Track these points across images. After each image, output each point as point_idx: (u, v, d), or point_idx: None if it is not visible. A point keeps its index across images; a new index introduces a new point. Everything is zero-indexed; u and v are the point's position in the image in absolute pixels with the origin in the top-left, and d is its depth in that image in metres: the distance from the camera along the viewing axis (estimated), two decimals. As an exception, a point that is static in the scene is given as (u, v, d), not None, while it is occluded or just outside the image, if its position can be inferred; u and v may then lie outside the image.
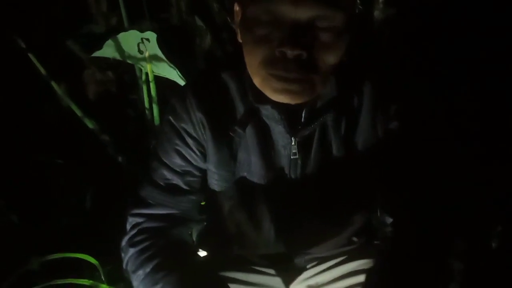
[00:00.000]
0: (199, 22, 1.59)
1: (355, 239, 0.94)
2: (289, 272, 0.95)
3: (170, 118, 0.85)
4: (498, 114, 1.43)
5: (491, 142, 1.40)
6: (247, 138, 0.83)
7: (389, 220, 0.85)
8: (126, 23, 1.39)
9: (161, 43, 1.29)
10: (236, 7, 0.77)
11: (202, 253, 0.99)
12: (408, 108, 0.83)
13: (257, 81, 0.74)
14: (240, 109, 0.82)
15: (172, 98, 0.86)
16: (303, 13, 0.66)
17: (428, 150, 0.83)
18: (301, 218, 0.86)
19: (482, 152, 1.35)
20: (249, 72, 0.75)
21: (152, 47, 1.28)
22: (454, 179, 0.81)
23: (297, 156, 0.82)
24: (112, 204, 1.27)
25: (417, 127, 0.83)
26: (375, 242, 0.95)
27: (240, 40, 0.76)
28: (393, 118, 0.82)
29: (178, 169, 0.86)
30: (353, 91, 0.82)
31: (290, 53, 0.67)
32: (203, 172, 0.87)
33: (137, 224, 0.86)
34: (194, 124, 0.83)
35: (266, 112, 0.80)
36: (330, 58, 0.70)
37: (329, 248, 0.93)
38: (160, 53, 1.27)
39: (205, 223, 0.97)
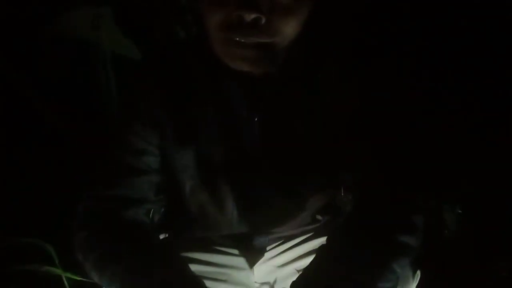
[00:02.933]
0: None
1: (319, 217, 0.91)
2: (253, 252, 0.92)
3: (127, 95, 0.81)
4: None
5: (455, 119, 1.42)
6: (208, 114, 0.79)
7: (349, 197, 0.83)
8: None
9: (120, 20, 1.24)
10: None
11: (163, 235, 0.95)
12: (374, 83, 0.80)
13: (217, 48, 0.71)
14: (201, 84, 0.78)
15: (129, 75, 0.82)
16: None
17: (392, 127, 0.80)
18: (264, 197, 0.83)
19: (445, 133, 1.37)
20: (210, 40, 0.71)
21: (108, 23, 1.22)
22: (415, 157, 0.79)
23: (258, 134, 0.79)
24: (69, 187, 1.21)
25: (381, 106, 0.80)
26: (339, 219, 0.93)
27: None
28: (357, 95, 0.79)
29: (134, 149, 0.80)
30: (317, 67, 0.79)
31: (247, 16, 0.64)
32: (162, 151, 0.82)
33: (89, 206, 0.81)
34: (152, 101, 0.79)
35: (227, 87, 0.76)
36: (290, 23, 0.67)
37: (293, 227, 0.90)
38: (116, 29, 1.21)
39: (164, 203, 0.92)
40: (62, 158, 1.43)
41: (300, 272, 0.72)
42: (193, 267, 0.82)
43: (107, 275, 0.74)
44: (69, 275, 1.11)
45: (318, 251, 0.73)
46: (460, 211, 1.37)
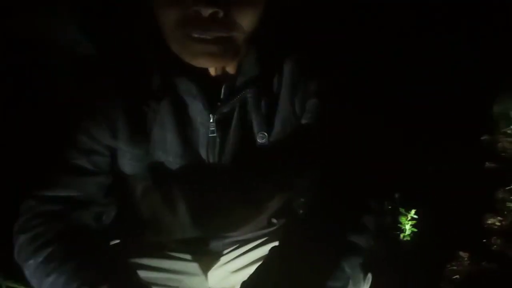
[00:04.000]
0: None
1: (274, 220, 0.89)
2: (207, 257, 0.89)
3: (78, 91, 0.77)
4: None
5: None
6: (163, 114, 0.75)
7: (301, 201, 0.82)
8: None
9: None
10: None
11: (114, 241, 0.90)
12: (328, 87, 0.79)
13: (174, 47, 0.68)
14: (156, 81, 0.75)
15: (82, 70, 0.78)
16: None
17: (345, 130, 0.79)
18: (219, 200, 0.81)
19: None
20: (166, 39, 0.68)
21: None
22: (367, 160, 0.79)
23: (215, 134, 0.76)
24: (10, 187, 1.13)
25: (337, 108, 0.79)
26: (294, 223, 0.91)
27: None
28: (312, 97, 0.77)
29: (83, 147, 0.76)
30: (274, 69, 0.77)
31: (204, 10, 0.61)
32: (112, 151, 0.78)
33: (31, 207, 0.75)
34: (103, 96, 0.75)
35: (183, 86, 0.73)
36: (247, 17, 0.65)
37: (248, 231, 0.88)
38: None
39: (115, 207, 0.88)
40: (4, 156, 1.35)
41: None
42: (143, 274, 0.78)
43: (49, 283, 0.69)
44: (10, 283, 1.04)
45: (269, 252, 0.71)
46: (415, 215, 1.39)
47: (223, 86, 0.74)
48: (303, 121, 0.78)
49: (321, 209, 0.75)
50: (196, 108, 0.75)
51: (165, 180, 0.79)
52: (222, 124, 0.76)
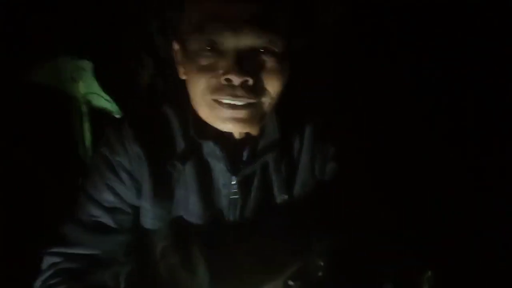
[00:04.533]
0: (143, 55, 1.53)
1: (291, 283, 0.89)
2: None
3: (103, 149, 0.79)
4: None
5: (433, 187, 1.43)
6: (186, 175, 0.78)
7: (321, 263, 0.82)
8: (62, 50, 1.31)
9: (99, 74, 1.23)
10: (175, 46, 0.75)
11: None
12: (347, 150, 0.82)
13: (203, 111, 0.71)
14: (181, 144, 0.78)
15: (107, 129, 0.80)
16: (244, 41, 0.66)
17: (364, 194, 0.81)
18: (238, 261, 0.81)
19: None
20: (195, 104, 0.72)
21: (87, 76, 1.21)
22: (389, 226, 0.80)
23: (237, 196, 0.78)
24: (29, 241, 1.15)
25: (355, 171, 0.82)
26: (310, 285, 0.90)
27: (183, 77, 0.74)
28: (331, 160, 0.80)
29: (107, 206, 0.78)
30: (294, 133, 0.80)
31: (236, 79, 0.66)
32: (135, 209, 0.80)
33: (54, 264, 0.77)
34: (130, 157, 0.78)
35: (208, 149, 0.76)
36: (274, 83, 0.69)
37: None
38: (95, 83, 1.20)
39: (133, 266, 0.88)
40: (29, 209, 1.37)
41: None
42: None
43: None
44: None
45: None
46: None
47: (246, 149, 0.76)
48: (323, 184, 0.80)
49: (339, 273, 0.76)
50: (219, 170, 0.77)
51: (186, 240, 0.80)
52: (244, 186, 0.78)
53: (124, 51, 1.51)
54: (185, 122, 0.78)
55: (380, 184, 0.84)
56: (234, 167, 0.76)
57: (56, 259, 0.78)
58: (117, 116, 1.23)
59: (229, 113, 0.69)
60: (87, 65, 1.21)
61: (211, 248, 0.81)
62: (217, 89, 0.68)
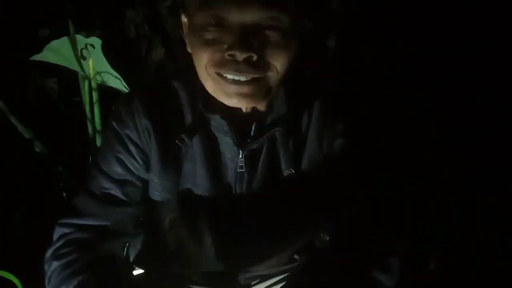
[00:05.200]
0: (151, 34, 1.53)
1: (296, 256, 0.89)
2: (230, 291, 0.89)
3: (113, 123, 0.79)
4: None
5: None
6: (194, 148, 0.78)
7: (327, 238, 0.82)
8: (71, 28, 1.31)
9: (108, 51, 1.23)
10: (184, 18, 0.75)
11: (138, 271, 0.91)
12: (356, 126, 0.81)
13: (208, 85, 0.71)
14: (189, 118, 0.78)
15: (117, 103, 0.81)
16: (249, 16, 0.65)
17: (374, 171, 0.80)
18: (244, 234, 0.81)
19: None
20: (200, 78, 0.72)
21: (96, 53, 1.21)
22: (397, 202, 0.80)
23: (243, 170, 0.77)
24: (42, 218, 1.16)
25: (364, 147, 0.80)
26: (315, 260, 0.91)
27: (189, 50, 0.74)
28: (339, 136, 0.79)
29: (117, 178, 0.79)
30: (303, 108, 0.80)
31: (239, 55, 0.65)
32: (144, 182, 0.81)
33: (64, 234, 0.78)
34: (139, 130, 0.78)
35: (215, 122, 0.76)
36: (280, 59, 0.68)
37: (270, 266, 0.88)
38: (104, 61, 1.20)
39: (142, 237, 0.89)
40: (38, 183, 1.39)
41: None
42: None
43: None
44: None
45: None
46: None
47: (254, 124, 0.76)
48: (330, 160, 0.79)
49: (347, 245, 0.76)
50: (226, 144, 0.77)
51: (193, 213, 0.80)
52: (251, 160, 0.77)
53: (131, 28, 1.51)
54: (193, 96, 0.77)
55: (388, 163, 0.83)
56: (241, 141, 0.76)
57: (66, 230, 0.79)
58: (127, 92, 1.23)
59: (233, 88, 0.68)
60: (97, 42, 1.20)
61: (218, 221, 0.81)
62: (221, 64, 0.67)
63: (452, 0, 1.46)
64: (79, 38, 1.21)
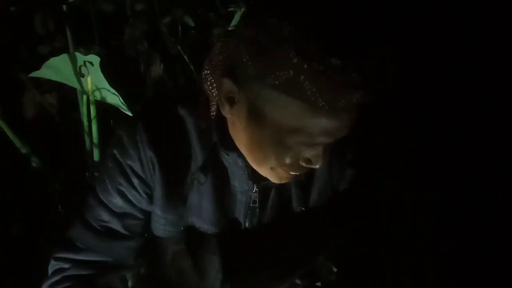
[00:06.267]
0: (150, 51, 1.52)
1: (298, 281, 0.87)
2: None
3: (115, 152, 0.73)
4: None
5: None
6: (202, 181, 0.73)
7: (333, 268, 0.80)
8: (71, 45, 1.29)
9: (106, 68, 1.21)
10: (233, 87, 0.63)
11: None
12: (364, 156, 0.79)
13: (260, 168, 0.68)
14: (197, 149, 0.72)
15: (120, 129, 0.73)
16: (342, 133, 0.61)
17: (381, 199, 0.78)
18: (249, 269, 0.78)
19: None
20: (252, 155, 0.66)
21: (94, 70, 1.19)
22: (408, 231, 0.78)
23: (256, 205, 0.74)
24: (38, 234, 1.13)
25: (372, 177, 0.79)
26: (317, 284, 0.88)
27: (227, 115, 0.66)
28: (348, 166, 0.78)
29: (117, 211, 0.74)
30: None
31: (318, 165, 0.64)
32: (146, 215, 0.76)
33: (61, 270, 0.74)
34: (143, 162, 0.72)
35: (230, 158, 0.71)
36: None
37: None
38: (102, 78, 1.18)
39: (142, 269, 0.86)
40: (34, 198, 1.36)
41: None
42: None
43: None
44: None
45: None
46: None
47: None
48: (340, 189, 0.78)
49: (351, 278, 0.76)
50: (239, 178, 0.73)
51: (197, 246, 0.77)
52: (264, 194, 0.75)
53: (130, 46, 1.50)
54: (203, 128, 0.71)
55: (399, 189, 0.81)
56: (256, 175, 0.71)
57: (63, 265, 0.74)
58: (125, 111, 1.21)
59: (288, 176, 0.67)
60: (95, 59, 1.18)
61: (223, 255, 0.77)
62: (292, 167, 0.64)
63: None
64: (78, 55, 1.19)
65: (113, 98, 1.21)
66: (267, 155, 0.64)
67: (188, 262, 0.77)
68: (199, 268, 0.78)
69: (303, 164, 0.63)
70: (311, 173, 0.75)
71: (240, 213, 0.75)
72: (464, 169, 1.48)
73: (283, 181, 0.68)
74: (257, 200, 0.74)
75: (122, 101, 1.20)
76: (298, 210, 0.76)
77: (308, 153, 0.62)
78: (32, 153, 1.32)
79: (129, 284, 0.86)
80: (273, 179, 0.68)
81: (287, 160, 0.63)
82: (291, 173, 0.65)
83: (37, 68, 1.22)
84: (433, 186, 1.32)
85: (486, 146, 1.54)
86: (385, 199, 0.77)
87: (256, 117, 0.61)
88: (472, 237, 1.38)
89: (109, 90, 1.20)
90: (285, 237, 0.77)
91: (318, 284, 0.89)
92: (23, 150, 1.30)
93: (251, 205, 0.74)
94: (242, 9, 1.40)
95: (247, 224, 0.75)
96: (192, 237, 0.76)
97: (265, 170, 0.67)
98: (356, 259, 0.77)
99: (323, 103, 0.54)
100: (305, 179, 0.76)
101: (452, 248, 1.35)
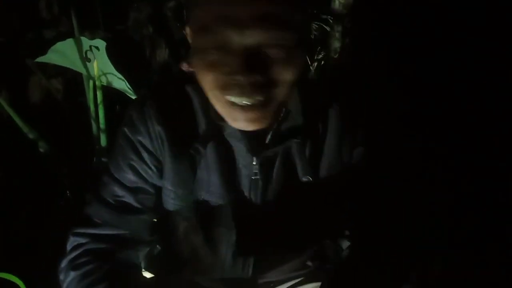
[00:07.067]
0: (155, 35, 1.50)
1: (309, 263, 0.87)
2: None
3: (126, 129, 0.75)
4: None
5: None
6: (208, 155, 0.74)
7: (346, 244, 0.80)
8: (76, 30, 1.27)
9: (112, 52, 1.19)
10: (188, 30, 0.69)
11: (149, 275, 0.88)
12: (374, 134, 0.78)
13: (217, 107, 0.67)
14: (202, 124, 0.74)
15: (130, 108, 0.76)
16: (251, 39, 0.60)
17: (391, 178, 0.78)
18: (259, 241, 0.78)
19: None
20: (209, 96, 0.67)
21: (100, 55, 1.18)
22: (417, 209, 0.78)
23: (258, 177, 0.74)
24: (46, 219, 1.13)
25: (382, 155, 0.78)
26: (328, 266, 0.88)
27: (191, 69, 0.69)
28: (358, 144, 0.77)
29: (130, 186, 0.75)
30: (319, 116, 0.76)
31: (244, 79, 0.61)
32: (158, 189, 0.77)
33: (81, 244, 0.75)
34: (152, 137, 0.74)
35: (229, 129, 0.72)
36: (286, 76, 0.64)
37: (284, 272, 0.86)
38: (108, 62, 1.17)
39: (156, 244, 0.86)
40: (48, 189, 1.36)
41: None
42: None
43: None
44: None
45: None
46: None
47: (270, 133, 0.72)
48: (349, 168, 0.77)
49: (357, 258, 0.75)
50: (240, 151, 0.74)
51: (207, 220, 0.77)
52: (265, 167, 0.74)
53: (135, 30, 1.47)
54: (205, 103, 0.72)
55: (407, 169, 0.81)
56: (255, 147, 0.73)
57: (82, 240, 0.75)
58: (131, 96, 1.20)
59: (240, 114, 0.64)
60: (101, 44, 1.17)
61: (232, 228, 0.77)
62: (226, 87, 0.63)
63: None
64: (84, 40, 1.18)
65: (120, 83, 1.21)
66: (207, 86, 0.65)
67: (199, 236, 0.78)
68: (210, 242, 0.78)
69: (232, 81, 0.62)
70: (316, 144, 0.75)
71: (245, 187, 0.76)
72: (464, 169, 1.48)
73: (241, 125, 0.66)
74: (258, 172, 0.74)
75: (128, 85, 1.19)
76: (305, 182, 0.76)
77: (230, 65, 0.61)
78: (39, 138, 1.31)
79: (142, 265, 0.87)
80: (230, 121, 0.67)
81: (219, 81, 0.63)
82: (234, 100, 0.63)
83: (43, 53, 1.21)
84: (433, 185, 1.32)
85: (486, 146, 1.54)
86: (398, 180, 0.76)
87: (193, 50, 0.66)
88: (472, 237, 1.38)
89: (115, 75, 1.19)
90: (292, 213, 0.77)
91: (329, 266, 0.89)
92: (31, 136, 1.29)
93: (252, 177, 0.74)
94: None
95: (252, 197, 0.76)
96: (202, 211, 0.77)
97: (218, 108, 0.67)
98: (357, 257, 0.76)
99: None
100: (311, 155, 0.75)
101: (452, 248, 1.35)
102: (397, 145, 0.80)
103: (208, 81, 0.64)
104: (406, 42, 1.43)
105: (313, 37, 0.69)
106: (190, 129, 0.74)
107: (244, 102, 0.63)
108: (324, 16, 1.33)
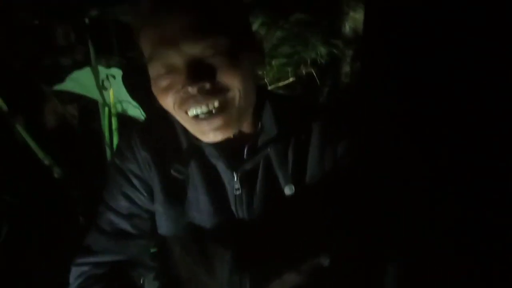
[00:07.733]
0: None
1: (302, 273, 0.85)
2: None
3: (115, 159, 0.78)
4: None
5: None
6: (194, 175, 0.76)
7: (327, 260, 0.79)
8: (93, 59, 1.29)
9: (127, 80, 1.21)
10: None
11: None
12: (358, 146, 0.78)
13: (186, 126, 0.70)
14: (184, 145, 0.76)
15: (119, 141, 0.81)
16: (187, 52, 0.64)
17: (374, 188, 0.79)
18: (253, 256, 0.78)
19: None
20: (177, 118, 0.70)
21: (116, 84, 1.19)
22: (417, 209, 0.76)
23: (240, 192, 0.75)
24: (59, 244, 1.13)
25: (367, 165, 0.79)
26: (324, 274, 0.87)
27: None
28: (342, 155, 0.77)
29: (124, 212, 0.78)
30: (298, 127, 0.77)
31: (191, 88, 0.64)
32: (152, 213, 0.79)
33: (84, 272, 0.77)
34: (140, 163, 0.77)
35: (207, 149, 0.75)
36: (234, 78, 0.66)
37: (281, 285, 0.82)
38: (124, 91, 1.18)
39: (155, 268, 0.86)
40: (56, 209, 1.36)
41: None
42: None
43: None
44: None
45: None
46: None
47: (246, 147, 0.74)
48: (332, 175, 0.77)
49: (345, 264, 0.76)
50: (221, 168, 0.75)
51: (201, 239, 0.78)
52: (247, 182, 0.75)
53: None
54: (183, 127, 0.75)
55: (390, 176, 0.80)
56: (234, 163, 0.74)
57: (84, 268, 0.77)
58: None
59: (204, 125, 0.67)
60: (117, 73, 1.18)
61: (225, 244, 0.78)
62: (182, 103, 0.66)
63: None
64: (101, 68, 1.20)
65: (134, 111, 1.22)
66: (168, 107, 0.68)
67: (194, 257, 0.79)
68: (206, 262, 0.79)
69: (184, 94, 0.65)
70: (298, 157, 0.76)
71: (230, 203, 0.77)
72: (464, 169, 1.47)
73: (209, 136, 0.68)
74: (240, 187, 0.75)
75: (143, 113, 1.20)
76: (288, 196, 0.76)
77: (179, 82, 0.65)
78: (54, 164, 1.32)
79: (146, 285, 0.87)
80: (199, 136, 0.69)
81: (176, 99, 0.66)
82: (193, 113, 0.66)
83: (59, 79, 1.23)
84: (432, 186, 1.30)
85: (486, 146, 1.52)
86: (380, 190, 0.76)
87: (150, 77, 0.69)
88: (471, 237, 1.36)
89: (130, 103, 1.21)
90: (279, 225, 0.77)
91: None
92: (46, 161, 1.30)
93: (236, 193, 0.75)
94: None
95: (239, 212, 0.76)
96: (195, 231, 0.77)
97: (191, 126, 0.69)
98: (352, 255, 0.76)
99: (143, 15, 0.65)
100: (293, 165, 0.76)
101: (452, 247, 1.33)
102: (397, 145, 0.79)
103: (167, 103, 0.67)
104: (406, 42, 1.43)
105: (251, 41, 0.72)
106: (174, 152, 0.76)
107: (202, 111, 0.66)
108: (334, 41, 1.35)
